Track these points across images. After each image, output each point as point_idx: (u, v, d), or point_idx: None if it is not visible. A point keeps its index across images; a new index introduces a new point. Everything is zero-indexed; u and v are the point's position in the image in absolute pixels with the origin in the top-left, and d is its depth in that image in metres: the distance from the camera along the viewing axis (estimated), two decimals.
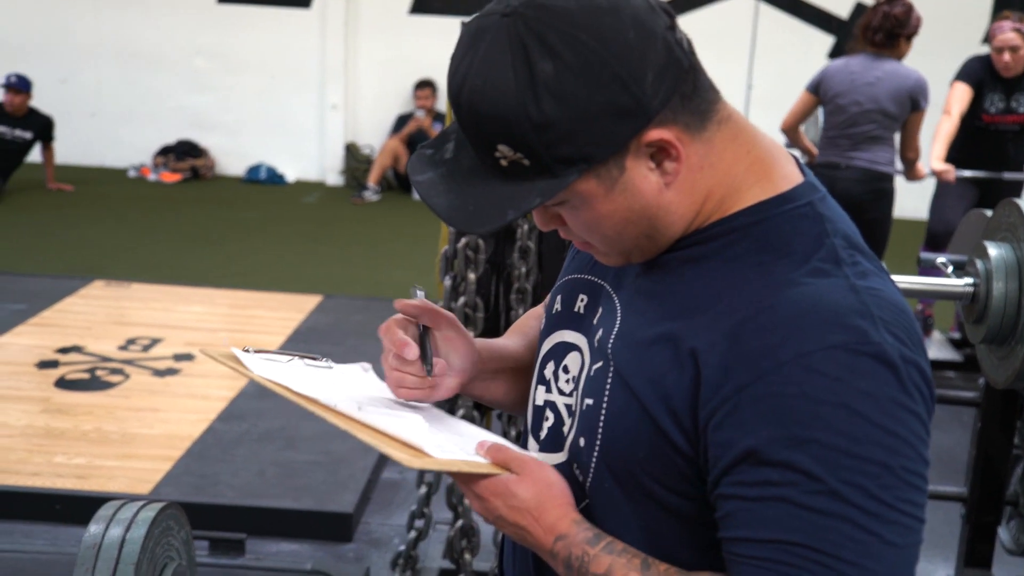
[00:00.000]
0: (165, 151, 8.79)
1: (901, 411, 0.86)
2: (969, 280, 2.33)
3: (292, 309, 5.24)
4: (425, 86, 8.55)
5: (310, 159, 8.97)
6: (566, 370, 1.08)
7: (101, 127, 8.87)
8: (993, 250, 2.31)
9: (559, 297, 1.14)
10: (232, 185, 8.67)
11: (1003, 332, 2.29)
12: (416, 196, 8.28)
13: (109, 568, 2.22)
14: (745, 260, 0.94)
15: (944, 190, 5.00)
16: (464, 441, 1.05)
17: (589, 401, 1.01)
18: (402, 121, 8.65)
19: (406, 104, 8.77)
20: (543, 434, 1.09)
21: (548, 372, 1.11)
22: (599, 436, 0.99)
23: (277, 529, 3.21)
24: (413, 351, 1.07)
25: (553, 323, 1.13)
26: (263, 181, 8.79)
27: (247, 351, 1.12)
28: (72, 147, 8.66)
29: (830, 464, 0.84)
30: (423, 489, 2.84)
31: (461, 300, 2.66)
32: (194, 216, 7.49)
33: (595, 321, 1.06)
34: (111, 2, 8.74)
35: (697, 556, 0.95)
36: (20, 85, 7.54)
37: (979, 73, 4.79)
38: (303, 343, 4.73)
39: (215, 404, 4.01)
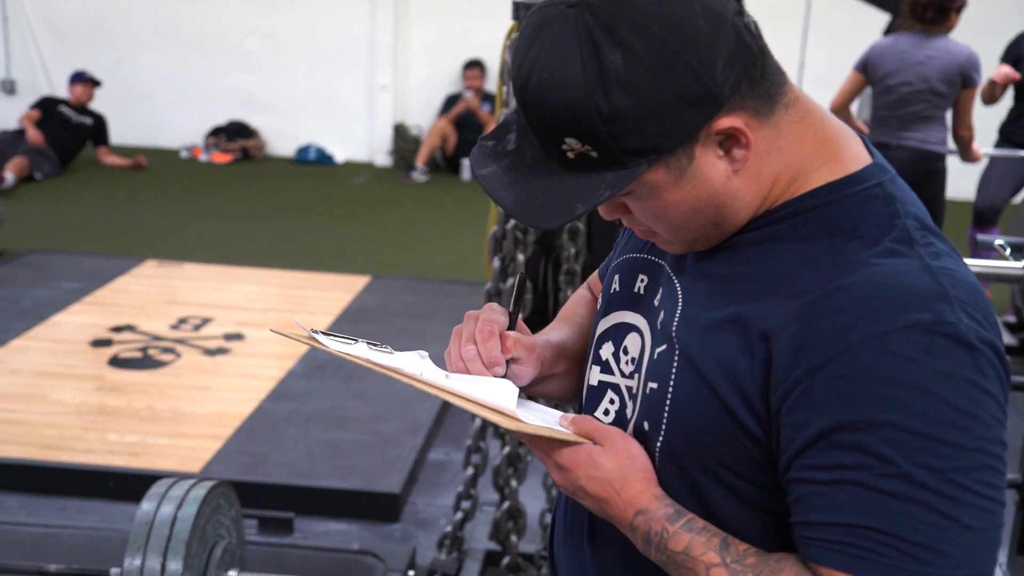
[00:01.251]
0: (216, 132, 8.88)
1: (978, 392, 0.84)
2: None
3: (341, 289, 5.27)
4: (474, 66, 8.54)
5: (359, 140, 9.01)
6: (626, 351, 1.07)
7: (154, 108, 8.98)
8: None
9: (617, 277, 1.12)
10: (282, 166, 8.73)
11: None
12: (465, 176, 8.31)
13: (161, 545, 2.26)
14: (814, 241, 0.93)
15: (992, 168, 4.93)
16: (544, 415, 1.06)
17: (653, 385, 0.99)
18: (451, 101, 8.65)
19: (455, 84, 8.76)
20: (605, 417, 1.08)
21: (606, 352, 1.09)
22: (664, 420, 0.98)
23: (325, 508, 3.24)
24: (501, 371, 1.07)
25: (611, 303, 1.11)
26: (312, 162, 8.84)
27: (315, 332, 1.12)
28: (126, 128, 8.78)
29: (904, 447, 0.83)
30: (470, 470, 2.85)
31: (510, 281, 2.65)
32: (244, 197, 7.56)
33: (656, 303, 1.04)
34: None
35: (765, 542, 0.94)
36: (91, 80, 8.03)
37: (1018, 46, 4.80)
38: (352, 323, 4.76)
39: (264, 384, 4.05)
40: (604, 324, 1.11)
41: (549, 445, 0.99)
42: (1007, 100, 5.01)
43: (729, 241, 0.98)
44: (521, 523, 2.82)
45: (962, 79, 4.20)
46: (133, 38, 8.89)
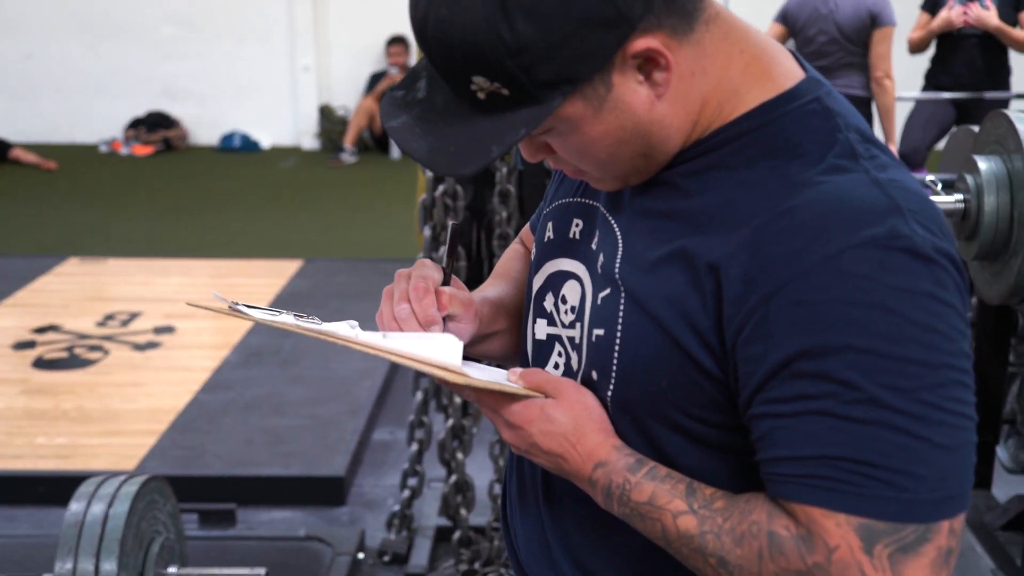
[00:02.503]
0: (136, 123, 8.63)
1: (938, 305, 0.80)
2: (959, 196, 2.26)
3: (273, 275, 5.15)
4: (397, 42, 8.40)
5: (284, 124, 8.83)
6: (564, 300, 1.01)
7: (69, 103, 8.70)
8: (983, 164, 2.23)
9: (550, 224, 1.06)
10: (206, 155, 8.52)
11: (995, 247, 2.23)
12: (395, 155, 8.19)
13: (93, 546, 2.16)
14: (755, 165, 0.87)
15: (917, 113, 5.00)
16: (489, 374, 1.00)
17: (599, 332, 0.94)
18: (375, 80, 8.51)
19: (379, 62, 8.62)
20: (555, 371, 1.02)
21: (549, 304, 1.03)
22: (614, 367, 0.92)
23: (268, 497, 3.15)
24: (438, 329, 1.01)
25: (547, 252, 1.05)
26: (238, 149, 8.65)
27: (235, 304, 1.05)
28: (40, 125, 8.51)
29: (868, 369, 0.79)
30: (414, 446, 2.78)
31: (442, 249, 2.58)
32: (169, 188, 7.36)
33: (593, 246, 0.98)
34: None
35: (731, 485, 0.89)
36: None
37: None
38: (285, 307, 4.63)
39: (199, 375, 3.93)
40: (542, 274, 1.05)
41: (498, 401, 0.93)
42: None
43: (665, 174, 0.92)
44: (470, 496, 2.77)
45: (872, 19, 4.26)
46: (43, 30, 8.59)
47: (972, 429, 0.82)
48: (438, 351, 0.96)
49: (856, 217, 0.80)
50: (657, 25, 0.83)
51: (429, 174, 2.64)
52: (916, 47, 4.86)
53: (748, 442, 0.87)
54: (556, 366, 1.02)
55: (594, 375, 0.95)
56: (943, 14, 4.72)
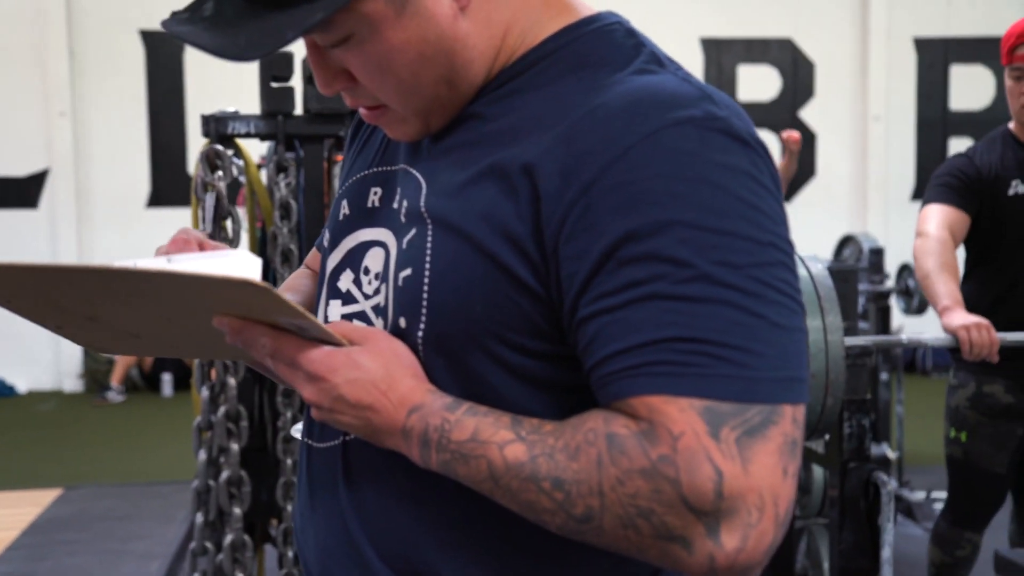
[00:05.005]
0: None
1: (758, 186, 0.79)
2: None
3: (28, 504, 4.78)
4: None
5: (44, 367, 8.24)
6: (367, 271, 0.93)
7: None
8: None
9: (344, 202, 0.99)
10: None
11: None
12: (166, 392, 7.84)
13: None
14: (561, 80, 0.86)
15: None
16: None
17: (406, 272, 0.87)
18: None
19: None
20: None
21: (345, 283, 0.95)
22: (424, 304, 0.85)
23: None
24: None
25: (343, 228, 0.97)
26: None
27: None
28: None
29: (698, 245, 0.75)
30: None
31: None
32: None
33: (395, 205, 0.92)
34: None
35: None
36: None
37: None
38: (43, 534, 4.29)
39: None
40: (338, 253, 0.97)
41: (298, 351, 0.82)
42: None
43: (467, 109, 0.90)
44: None
45: None
46: None
47: (802, 316, 0.80)
48: (233, 268, 0.85)
49: (672, 101, 0.79)
50: None
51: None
52: None
53: (576, 376, 0.82)
54: None
55: (402, 323, 0.87)
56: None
